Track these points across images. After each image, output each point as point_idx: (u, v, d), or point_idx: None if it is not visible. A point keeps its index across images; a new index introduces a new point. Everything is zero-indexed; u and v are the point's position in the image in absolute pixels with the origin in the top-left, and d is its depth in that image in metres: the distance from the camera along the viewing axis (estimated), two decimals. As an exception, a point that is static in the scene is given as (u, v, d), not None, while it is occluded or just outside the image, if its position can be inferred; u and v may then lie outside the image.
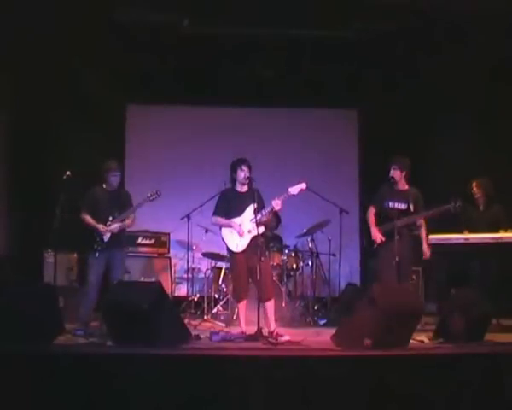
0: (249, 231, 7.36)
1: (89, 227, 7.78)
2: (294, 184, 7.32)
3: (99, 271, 7.71)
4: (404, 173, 7.84)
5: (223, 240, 7.55)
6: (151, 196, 7.87)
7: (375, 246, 7.80)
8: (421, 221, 7.84)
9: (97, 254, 7.70)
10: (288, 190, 7.28)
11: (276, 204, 7.25)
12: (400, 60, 10.06)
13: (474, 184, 8.51)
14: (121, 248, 7.97)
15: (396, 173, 7.82)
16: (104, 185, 7.95)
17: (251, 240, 7.34)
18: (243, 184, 7.48)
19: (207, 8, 9.18)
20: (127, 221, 7.92)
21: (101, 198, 7.89)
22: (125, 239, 8.09)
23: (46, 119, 9.78)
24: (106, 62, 9.72)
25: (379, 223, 7.89)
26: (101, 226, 7.72)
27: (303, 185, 7.33)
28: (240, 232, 7.37)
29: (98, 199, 7.89)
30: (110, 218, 7.77)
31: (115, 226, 7.75)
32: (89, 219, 7.79)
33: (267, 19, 9.28)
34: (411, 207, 7.70)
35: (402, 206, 7.76)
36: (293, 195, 7.29)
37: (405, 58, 10.02)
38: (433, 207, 7.76)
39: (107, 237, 7.74)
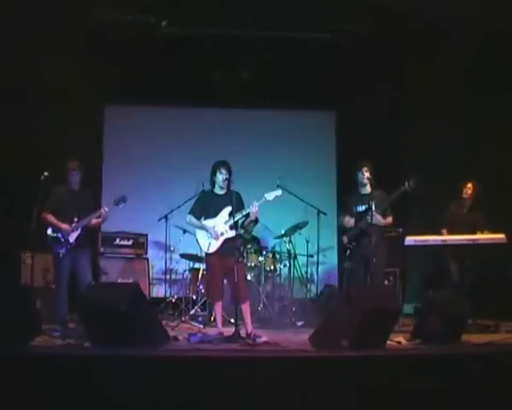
0: (221, 234, 7.38)
1: (52, 227, 7.73)
2: (270, 191, 7.39)
3: (65, 271, 7.68)
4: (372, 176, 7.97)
5: (196, 241, 7.58)
6: (117, 202, 7.84)
7: (349, 245, 7.87)
8: (389, 219, 7.91)
9: (61, 254, 7.67)
10: (264, 196, 7.35)
11: (255, 210, 7.31)
12: (379, 62, 10.10)
13: (468, 185, 8.56)
14: (86, 248, 7.92)
15: (370, 175, 7.90)
16: (66, 186, 7.93)
17: (223, 242, 7.38)
18: (222, 187, 7.49)
19: (186, 8, 9.18)
20: (93, 221, 7.90)
21: (64, 198, 7.85)
22: (89, 239, 8.04)
23: (24, 119, 9.69)
24: (84, 63, 9.67)
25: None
26: (66, 227, 7.69)
27: (278, 192, 7.43)
28: (212, 234, 7.39)
29: (62, 199, 7.85)
30: (75, 219, 7.73)
31: (80, 224, 7.72)
32: (52, 218, 7.72)
33: (247, 20, 9.30)
34: (373, 206, 7.73)
35: (363, 207, 7.86)
36: (269, 201, 7.36)
37: (384, 60, 10.07)
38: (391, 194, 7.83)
39: (73, 237, 7.71)
